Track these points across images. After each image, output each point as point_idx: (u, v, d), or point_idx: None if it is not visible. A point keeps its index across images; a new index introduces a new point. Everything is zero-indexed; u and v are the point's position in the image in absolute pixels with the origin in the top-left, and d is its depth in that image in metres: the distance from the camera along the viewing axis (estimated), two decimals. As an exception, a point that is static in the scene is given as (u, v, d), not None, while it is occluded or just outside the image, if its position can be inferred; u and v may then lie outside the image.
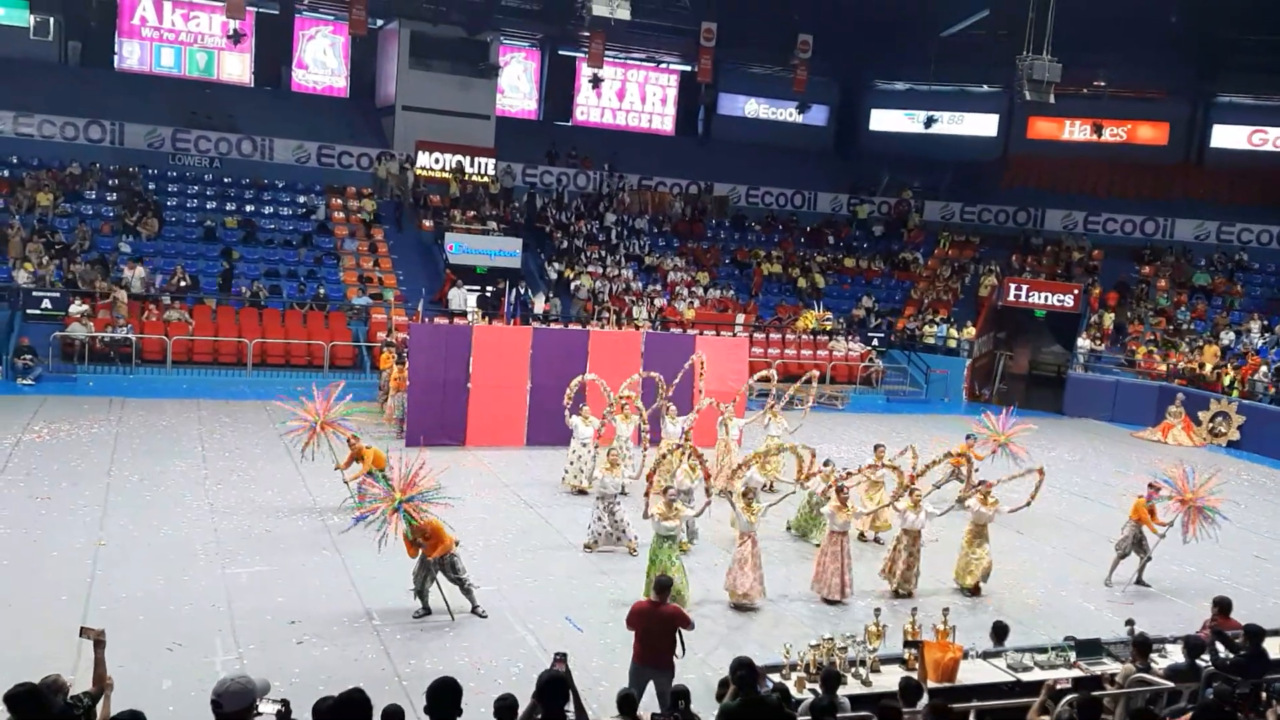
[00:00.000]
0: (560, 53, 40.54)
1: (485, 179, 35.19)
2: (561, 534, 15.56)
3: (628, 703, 7.70)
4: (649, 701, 9.10)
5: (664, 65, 42.18)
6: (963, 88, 41.93)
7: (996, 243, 38.44)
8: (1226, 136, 39.48)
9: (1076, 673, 9.92)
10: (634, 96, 42.15)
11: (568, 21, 34.85)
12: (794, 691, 8.95)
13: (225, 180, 32.55)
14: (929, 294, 35.74)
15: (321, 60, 37.25)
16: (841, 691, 8.67)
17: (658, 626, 9.51)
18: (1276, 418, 27.28)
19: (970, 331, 32.77)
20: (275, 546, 14.05)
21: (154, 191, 31.18)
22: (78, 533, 13.89)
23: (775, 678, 9.23)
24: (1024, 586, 14.85)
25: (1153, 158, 39.96)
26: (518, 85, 40.20)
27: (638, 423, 17.53)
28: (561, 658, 7.92)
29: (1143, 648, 9.83)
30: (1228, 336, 31.63)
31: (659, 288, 33.13)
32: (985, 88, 41.66)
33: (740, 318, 32.06)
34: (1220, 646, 9.82)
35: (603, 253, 34.00)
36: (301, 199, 32.73)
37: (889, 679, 9.28)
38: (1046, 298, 33.30)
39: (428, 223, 32.99)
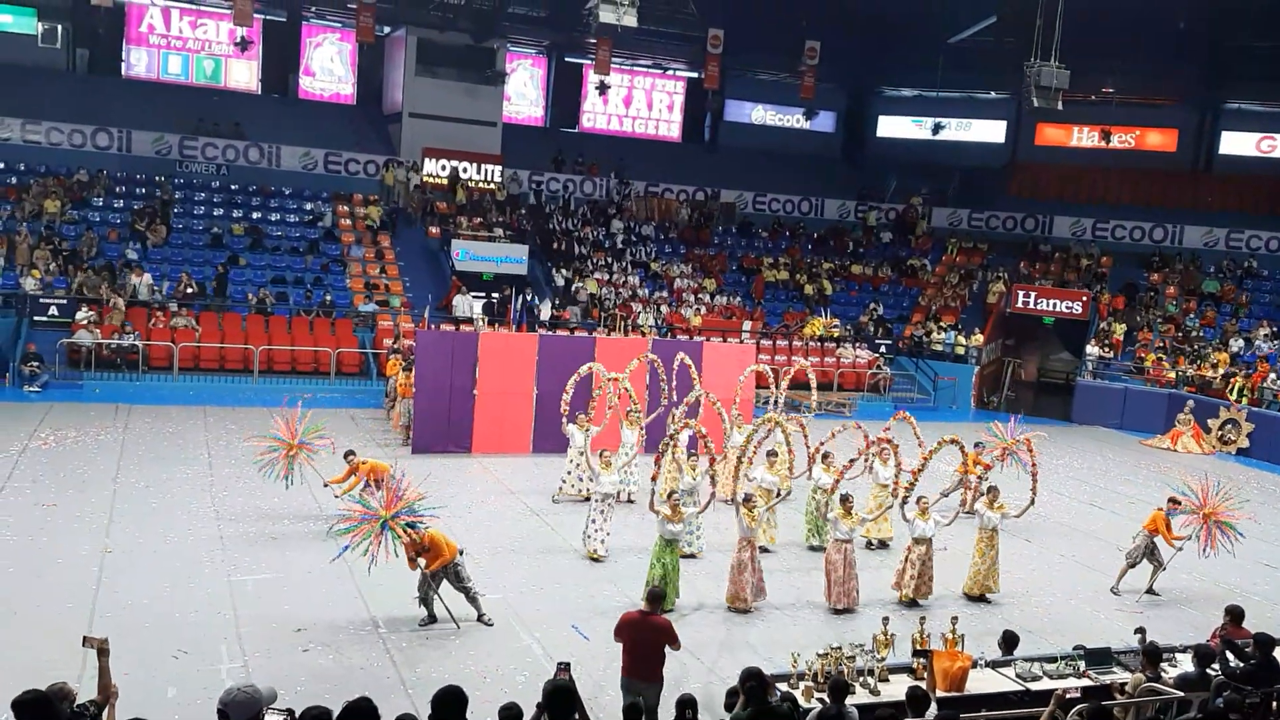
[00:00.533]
0: (567, 60, 40.60)
1: (491, 186, 35.23)
2: (567, 541, 15.50)
3: (633, 711, 7.66)
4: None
5: (671, 72, 42.23)
6: (970, 94, 41.90)
7: (1004, 249, 38.39)
8: (1235, 143, 39.36)
9: (1086, 682, 9.86)
10: (641, 103, 42.19)
11: (574, 28, 34.89)
12: (802, 701, 8.90)
13: (232, 187, 32.61)
14: (937, 301, 35.66)
15: (329, 67, 37.33)
16: (850, 701, 8.60)
17: (646, 638, 9.34)
18: (1286, 425, 27.17)
19: (978, 338, 32.69)
20: (281, 554, 14.02)
21: (169, 198, 31.28)
22: (84, 540, 13.87)
23: (783, 687, 9.17)
24: (1033, 595, 14.76)
25: (1161, 164, 39.85)
26: (524, 92, 40.26)
27: (640, 430, 17.47)
28: (565, 667, 7.87)
29: (1153, 657, 9.76)
30: (1237, 344, 31.51)
31: (666, 294, 33.10)
32: (993, 94, 41.63)
33: (747, 324, 32.01)
34: (1230, 655, 9.75)
35: (609, 259, 33.99)
36: (308, 206, 32.76)
37: (897, 688, 9.21)
38: (1055, 305, 33.22)
39: (434, 229, 33.00)
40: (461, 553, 12.09)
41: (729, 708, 8.13)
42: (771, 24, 37.38)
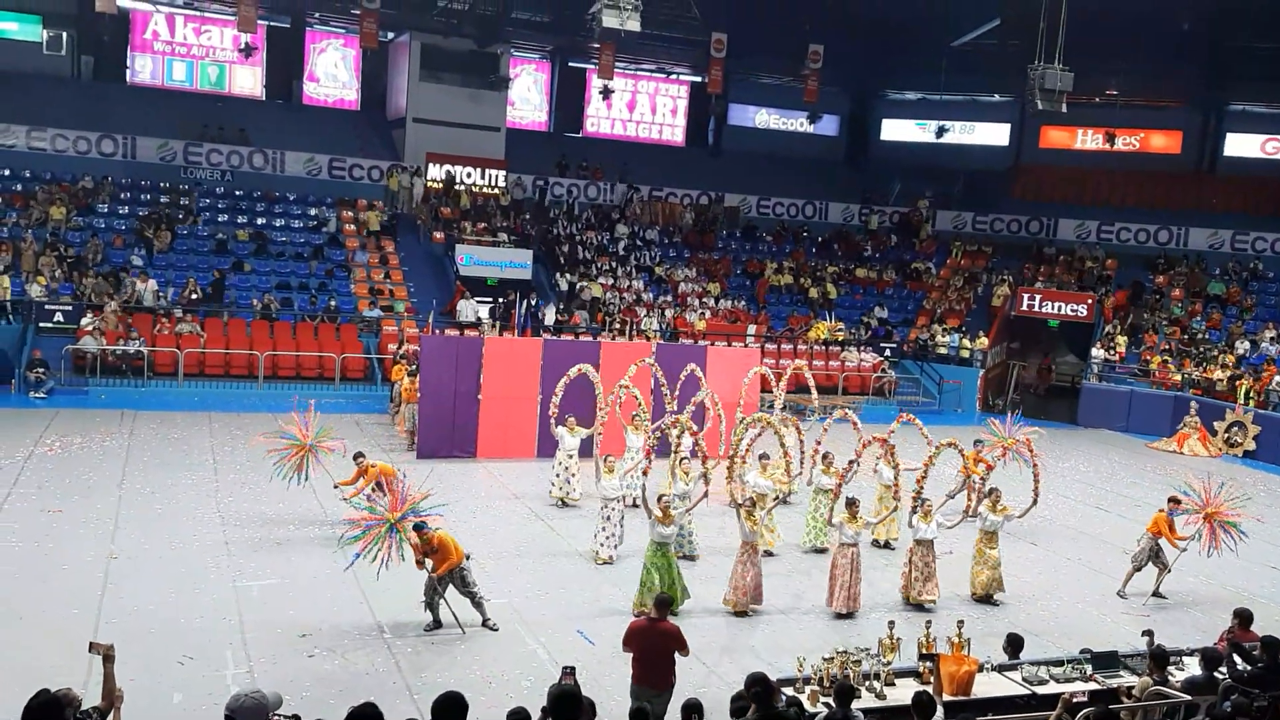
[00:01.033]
0: (570, 64, 40.63)
1: (495, 191, 35.27)
2: (573, 546, 15.49)
3: (640, 715, 7.64)
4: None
5: (674, 76, 42.26)
6: (974, 97, 41.90)
7: (1009, 252, 38.36)
8: (1240, 145, 39.35)
9: (1093, 686, 9.82)
10: (644, 108, 42.23)
11: (578, 33, 34.92)
12: (808, 705, 8.87)
13: (237, 193, 32.67)
14: (941, 304, 35.63)
15: (332, 73, 37.40)
16: (856, 705, 8.58)
17: (655, 645, 9.34)
18: (1294, 427, 27.10)
19: (983, 341, 32.65)
20: (286, 559, 14.02)
21: (191, 204, 31.47)
22: (89, 545, 13.88)
23: (789, 691, 9.15)
24: (1039, 598, 14.72)
25: (1166, 166, 39.83)
26: (528, 97, 40.31)
27: (646, 435, 17.45)
28: (570, 671, 7.85)
29: (1160, 660, 9.72)
30: (1243, 346, 31.44)
31: (670, 299, 33.10)
32: (997, 97, 41.62)
33: (751, 329, 32.00)
34: (1238, 659, 9.72)
35: (613, 264, 33.99)
36: (312, 211, 32.83)
37: (904, 692, 9.18)
38: (1060, 307, 33.16)
39: (439, 234, 33.03)
40: (468, 557, 12.09)
41: (735, 713, 8.09)
42: (774, 28, 37.40)
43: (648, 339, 27.25)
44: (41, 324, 25.39)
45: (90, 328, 24.99)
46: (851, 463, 14.17)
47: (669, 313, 31.93)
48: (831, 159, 43.64)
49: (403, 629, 11.87)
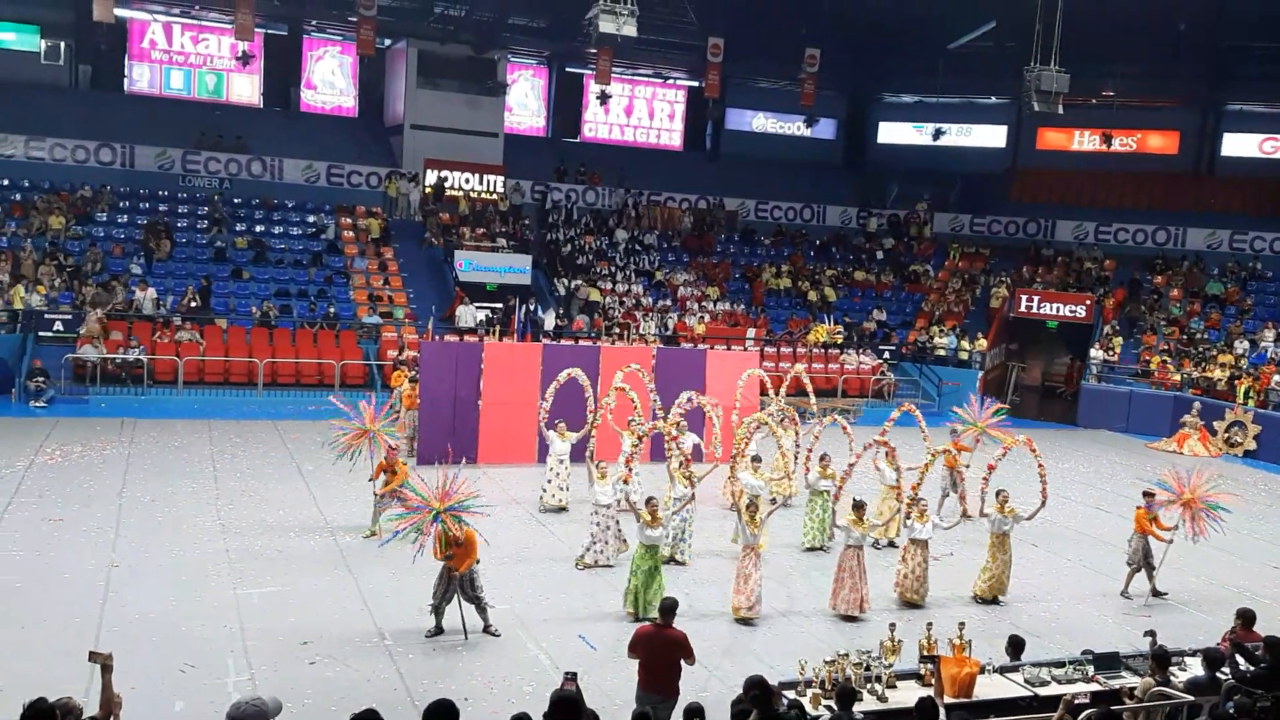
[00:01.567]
0: (568, 70, 40.68)
1: (494, 196, 35.30)
2: (573, 551, 15.46)
3: (643, 719, 7.64)
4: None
5: (671, 81, 42.30)
6: (971, 99, 41.94)
7: (1007, 254, 38.39)
8: (1237, 144, 39.39)
9: (1095, 687, 9.81)
10: (642, 112, 42.28)
11: (575, 39, 34.96)
12: (809, 708, 8.87)
13: (235, 201, 32.70)
14: (940, 306, 35.65)
15: (330, 80, 37.44)
16: (857, 708, 8.58)
17: (661, 651, 9.30)
18: (1294, 427, 27.11)
19: (982, 343, 32.67)
20: (287, 566, 14.01)
21: (219, 215, 31.55)
22: (90, 554, 13.87)
23: (791, 694, 9.14)
24: (1041, 599, 14.73)
25: (1163, 167, 39.87)
26: (526, 103, 40.35)
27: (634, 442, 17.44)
28: (571, 677, 7.85)
29: (1162, 661, 9.72)
30: (1242, 345, 31.45)
31: (669, 303, 33.11)
32: (993, 99, 41.67)
33: (751, 332, 32.01)
34: (1241, 659, 9.71)
35: (612, 268, 34.02)
36: (311, 218, 32.83)
37: (905, 695, 9.19)
38: (1058, 309, 33.17)
39: (437, 240, 33.03)
40: (476, 562, 12.10)
41: (736, 717, 8.09)
42: (771, 32, 37.44)
43: (647, 343, 27.28)
44: (41, 333, 25.39)
45: (90, 336, 24.99)
46: (850, 466, 14.21)
47: (668, 317, 31.94)
48: (829, 162, 43.71)
49: (404, 636, 11.87)
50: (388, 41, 35.98)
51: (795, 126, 42.68)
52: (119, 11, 32.24)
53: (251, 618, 12.10)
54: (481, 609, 12.06)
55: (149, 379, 25.23)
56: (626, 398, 17.69)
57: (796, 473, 17.27)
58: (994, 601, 14.28)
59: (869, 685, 9.39)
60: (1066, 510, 19.77)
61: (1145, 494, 15.51)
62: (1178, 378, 30.42)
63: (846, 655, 9.59)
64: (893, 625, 10.73)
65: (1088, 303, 33.17)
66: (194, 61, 35.50)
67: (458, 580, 11.86)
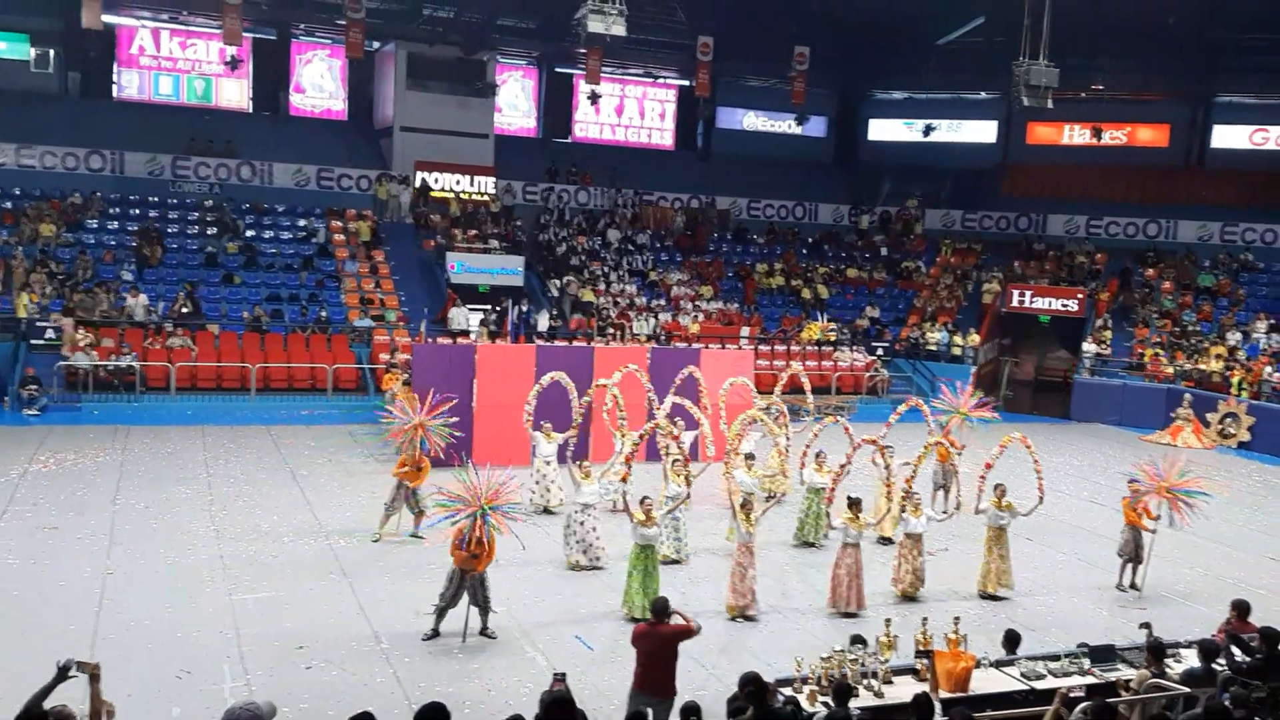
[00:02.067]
0: (558, 70, 40.66)
1: (485, 197, 35.27)
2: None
3: (637, 718, 7.64)
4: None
5: (662, 80, 42.28)
6: (960, 95, 42.01)
7: (998, 249, 38.44)
8: (1227, 136, 39.43)
9: (1091, 680, 9.83)
10: (633, 112, 42.26)
11: (564, 39, 34.89)
12: (806, 705, 8.88)
13: (224, 205, 32.61)
14: (932, 302, 35.69)
15: (319, 84, 37.37)
16: (854, 704, 8.59)
17: (657, 649, 9.31)
18: (1286, 418, 27.16)
19: (975, 338, 32.70)
20: (282, 571, 13.98)
21: (228, 219, 31.49)
22: (85, 562, 13.84)
23: (787, 691, 9.15)
24: (1036, 593, 14.75)
25: (1154, 160, 39.95)
26: (516, 104, 40.32)
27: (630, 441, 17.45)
28: (561, 678, 7.86)
29: (1157, 653, 9.74)
30: (1234, 337, 31.52)
31: (663, 302, 33.12)
32: (983, 95, 41.74)
33: (745, 330, 32.02)
34: (1236, 650, 9.73)
35: (605, 269, 34.01)
36: (302, 222, 32.76)
37: (902, 690, 9.21)
38: (1050, 303, 33.22)
39: (429, 242, 33.01)
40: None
41: (732, 714, 8.10)
42: (761, 30, 37.41)
43: (640, 343, 27.27)
44: (33, 341, 25.33)
45: (84, 343, 24.92)
46: (843, 465, 14.22)
47: (662, 316, 31.94)
48: (820, 160, 43.73)
49: (400, 639, 11.86)
50: (376, 44, 35.92)
51: (786, 125, 42.64)
52: (107, 18, 32.19)
53: (247, 623, 12.08)
54: (484, 611, 12.06)
55: (141, 386, 25.18)
56: (613, 395, 17.63)
57: (791, 470, 17.29)
58: (993, 597, 14.27)
59: (865, 681, 9.40)
60: (1061, 504, 19.80)
61: (1129, 483, 15.53)
62: (1170, 370, 30.48)
63: (843, 651, 9.59)
64: (888, 620, 10.74)
65: (1080, 297, 33.22)
66: (182, 67, 35.41)
67: (470, 582, 11.83)
